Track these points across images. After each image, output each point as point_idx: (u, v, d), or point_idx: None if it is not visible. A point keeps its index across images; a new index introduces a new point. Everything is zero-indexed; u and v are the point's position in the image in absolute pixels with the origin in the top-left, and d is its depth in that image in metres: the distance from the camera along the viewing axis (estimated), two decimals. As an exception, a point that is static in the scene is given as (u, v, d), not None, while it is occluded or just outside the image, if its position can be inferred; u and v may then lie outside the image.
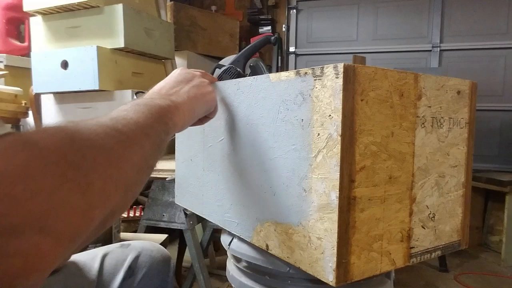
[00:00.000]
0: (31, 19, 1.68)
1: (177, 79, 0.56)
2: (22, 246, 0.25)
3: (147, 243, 0.81)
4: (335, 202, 0.47)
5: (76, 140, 0.30)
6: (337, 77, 0.46)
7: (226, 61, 0.92)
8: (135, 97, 1.48)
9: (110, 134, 0.34)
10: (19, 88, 1.78)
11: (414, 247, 0.56)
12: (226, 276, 0.76)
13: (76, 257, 0.74)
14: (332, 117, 0.47)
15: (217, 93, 0.68)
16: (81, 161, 0.29)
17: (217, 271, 2.02)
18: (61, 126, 0.31)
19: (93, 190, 0.29)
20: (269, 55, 3.37)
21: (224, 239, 0.74)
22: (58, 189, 0.27)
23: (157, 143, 0.42)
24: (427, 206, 0.58)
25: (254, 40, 1.54)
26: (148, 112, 0.42)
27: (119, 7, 1.50)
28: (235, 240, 0.71)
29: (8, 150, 0.26)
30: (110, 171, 0.32)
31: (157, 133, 0.42)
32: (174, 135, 0.90)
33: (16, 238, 0.25)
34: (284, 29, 3.47)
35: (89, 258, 0.74)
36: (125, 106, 0.41)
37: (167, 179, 1.31)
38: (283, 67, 3.35)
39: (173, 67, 1.94)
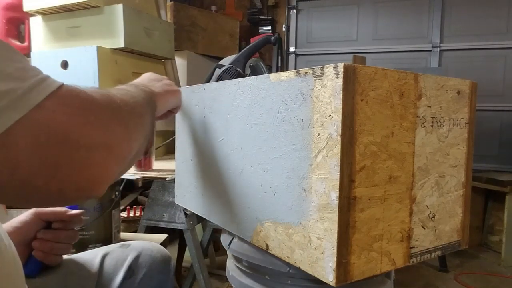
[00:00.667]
0: (31, 19, 1.68)
1: (150, 78, 0.68)
2: (98, 159, 0.36)
3: (147, 243, 0.81)
4: (335, 202, 0.47)
5: (112, 96, 0.42)
6: (337, 77, 0.46)
7: (226, 61, 0.92)
8: None
9: (128, 97, 0.46)
10: (19, 88, 1.77)
11: (414, 247, 0.56)
12: (226, 276, 0.76)
13: (76, 257, 0.74)
14: (332, 117, 0.47)
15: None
16: (120, 109, 0.41)
17: (217, 271, 2.02)
18: (96, 88, 0.41)
19: (131, 127, 0.42)
20: (269, 55, 3.37)
21: (224, 239, 0.74)
22: (112, 122, 0.39)
23: (153, 113, 0.55)
24: (427, 206, 0.58)
25: (254, 40, 1.54)
26: (140, 91, 0.53)
27: (119, 7, 1.50)
28: (235, 240, 0.71)
29: (78, 94, 0.37)
30: (137, 119, 0.45)
31: (151, 105, 0.55)
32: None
33: (94, 152, 0.36)
34: (284, 29, 3.47)
35: (89, 258, 0.74)
36: (120, 86, 0.51)
37: (167, 179, 1.31)
38: (283, 67, 3.35)
39: (173, 67, 1.93)
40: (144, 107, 0.50)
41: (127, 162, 0.42)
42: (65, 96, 0.35)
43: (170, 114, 0.75)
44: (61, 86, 0.35)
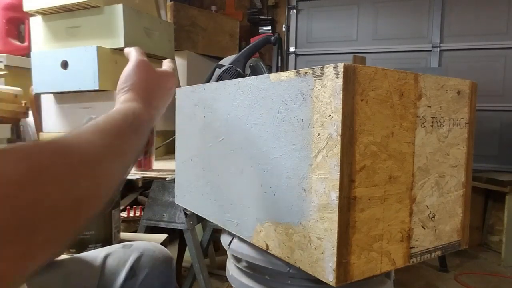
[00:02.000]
0: (31, 19, 1.68)
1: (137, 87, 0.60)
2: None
3: (149, 244, 0.81)
4: (335, 202, 0.47)
5: (70, 153, 0.32)
6: (337, 77, 0.47)
7: (226, 61, 0.93)
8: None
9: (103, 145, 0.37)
10: (19, 88, 1.78)
11: (414, 247, 0.56)
12: (226, 276, 0.76)
13: (78, 257, 0.74)
14: (332, 117, 0.47)
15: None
16: (73, 175, 0.31)
17: (217, 271, 2.02)
18: (55, 141, 0.32)
19: (82, 202, 0.32)
20: (269, 55, 3.37)
21: (224, 239, 0.74)
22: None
23: (137, 136, 0.46)
24: (427, 206, 0.58)
25: (254, 40, 1.54)
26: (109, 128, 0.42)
27: (119, 7, 1.50)
28: (235, 240, 0.71)
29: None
30: (97, 180, 0.34)
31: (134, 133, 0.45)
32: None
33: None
34: (284, 29, 3.47)
35: (91, 258, 0.74)
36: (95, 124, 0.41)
37: (167, 179, 1.31)
38: (283, 67, 3.35)
39: (173, 67, 1.93)
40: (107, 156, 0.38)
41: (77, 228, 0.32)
42: None
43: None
44: None
